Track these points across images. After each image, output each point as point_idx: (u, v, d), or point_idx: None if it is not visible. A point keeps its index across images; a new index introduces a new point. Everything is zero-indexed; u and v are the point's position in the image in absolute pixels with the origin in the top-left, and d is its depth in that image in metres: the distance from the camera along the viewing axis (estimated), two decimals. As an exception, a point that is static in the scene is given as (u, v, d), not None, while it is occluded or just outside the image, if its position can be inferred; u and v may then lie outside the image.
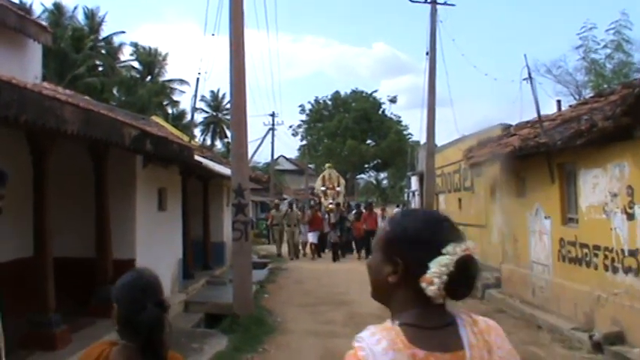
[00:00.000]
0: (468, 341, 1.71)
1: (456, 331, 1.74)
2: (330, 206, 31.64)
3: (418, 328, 1.70)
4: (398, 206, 49.81)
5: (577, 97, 24.89)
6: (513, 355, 1.79)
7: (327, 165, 38.87)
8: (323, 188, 35.39)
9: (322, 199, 34.73)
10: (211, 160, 18.53)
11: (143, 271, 2.68)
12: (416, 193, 38.58)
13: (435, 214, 1.96)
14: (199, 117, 65.32)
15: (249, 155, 18.27)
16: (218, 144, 66.59)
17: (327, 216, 28.92)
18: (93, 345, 2.69)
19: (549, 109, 29.57)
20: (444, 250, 1.72)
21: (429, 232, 1.80)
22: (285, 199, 43.69)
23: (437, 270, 1.70)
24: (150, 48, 54.48)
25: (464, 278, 1.73)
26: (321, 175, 37.40)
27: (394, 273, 1.77)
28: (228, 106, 66.93)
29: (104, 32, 48.78)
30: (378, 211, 29.18)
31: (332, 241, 27.17)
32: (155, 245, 12.56)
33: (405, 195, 49.14)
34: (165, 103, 53.89)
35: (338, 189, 35.39)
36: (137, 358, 2.48)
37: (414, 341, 1.67)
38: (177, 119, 51.03)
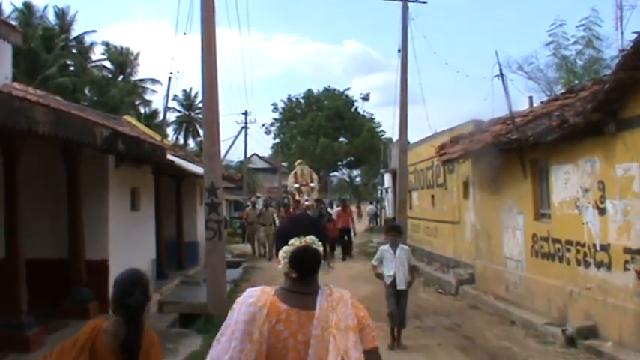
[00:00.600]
0: (319, 304, 2.50)
1: (315, 297, 2.53)
2: (307, 203, 30.99)
3: (288, 292, 2.56)
4: (371, 203, 50.12)
5: (548, 93, 25.09)
6: (350, 315, 2.53)
7: (297, 162, 38.05)
8: (296, 185, 34.56)
9: (296, 197, 33.95)
10: (184, 159, 18.45)
11: (136, 270, 3.90)
12: (389, 190, 38.80)
13: (303, 217, 2.95)
14: (172, 116, 65.19)
15: (222, 154, 18.22)
16: (191, 143, 66.43)
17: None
18: (90, 320, 3.80)
19: (521, 105, 29.82)
20: (289, 242, 2.56)
21: (288, 229, 2.64)
22: (258, 197, 43.45)
23: (282, 254, 2.57)
24: (121, 47, 54.02)
25: (299, 260, 2.54)
26: (292, 173, 36.58)
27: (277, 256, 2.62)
28: (201, 105, 66.80)
29: (75, 32, 48.46)
30: (353, 208, 29.34)
31: None
32: (128, 245, 12.49)
33: (379, 192, 49.41)
34: (137, 102, 53.45)
35: (312, 185, 34.59)
36: (123, 329, 3.58)
37: (283, 299, 2.52)
38: (149, 118, 50.62)
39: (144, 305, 3.67)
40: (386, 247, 10.80)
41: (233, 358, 2.41)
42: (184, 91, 67.00)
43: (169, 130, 61.74)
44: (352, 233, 27.17)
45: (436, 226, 21.23)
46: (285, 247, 2.57)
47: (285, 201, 37.77)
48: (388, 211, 38.94)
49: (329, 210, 28.80)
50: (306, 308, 2.51)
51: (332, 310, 2.54)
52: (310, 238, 2.58)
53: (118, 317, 3.63)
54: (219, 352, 2.46)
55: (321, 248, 2.60)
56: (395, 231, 11.04)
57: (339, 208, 27.71)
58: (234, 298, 2.71)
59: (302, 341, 2.47)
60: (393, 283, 10.56)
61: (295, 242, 2.56)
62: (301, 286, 2.59)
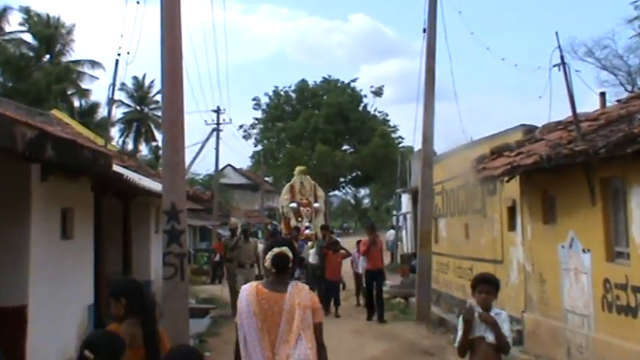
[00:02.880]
0: (289, 291, 6.71)
1: (287, 287, 6.78)
2: (308, 232, 28.63)
3: (270, 283, 6.89)
4: (393, 227, 49.27)
5: (629, 88, 24.65)
6: (308, 299, 6.79)
7: (297, 169, 35.12)
8: (293, 205, 32.18)
9: (292, 221, 31.43)
10: (135, 171, 18.40)
11: (136, 280, 7.12)
12: (408, 216, 38.69)
13: (281, 239, 8.63)
14: (118, 112, 64.98)
15: (187, 165, 18.14)
16: (143, 149, 66.47)
17: (304, 246, 26.18)
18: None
19: (590, 104, 29.41)
20: (272, 250, 6.91)
21: (270, 245, 7.15)
22: (235, 223, 43.24)
23: (267, 258, 6.93)
24: (48, 16, 53.45)
25: (277, 261, 6.85)
26: (287, 186, 34.28)
27: None
28: (158, 98, 66.83)
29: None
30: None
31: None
32: (56, 286, 12.30)
33: (394, 219, 49.12)
34: (70, 92, 53.19)
35: (316, 205, 32.49)
36: (139, 329, 6.08)
37: (265, 287, 6.81)
38: (87, 115, 50.65)
39: (155, 306, 6.61)
40: (474, 309, 8.60)
41: (247, 324, 6.59)
42: (135, 78, 67.08)
43: (114, 132, 61.56)
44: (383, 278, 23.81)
45: (471, 266, 21.09)
46: (269, 253, 6.84)
47: (272, 227, 34.27)
48: (406, 244, 38.87)
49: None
50: (280, 292, 6.70)
51: (297, 295, 6.70)
52: (285, 249, 6.89)
53: (133, 319, 6.17)
54: (243, 326, 6.64)
55: (291, 255, 6.90)
56: (488, 284, 8.70)
57: (366, 238, 23.69)
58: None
59: (277, 311, 6.60)
60: None
61: (274, 251, 6.85)
62: (277, 279, 6.84)
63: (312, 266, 25.64)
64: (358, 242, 25.58)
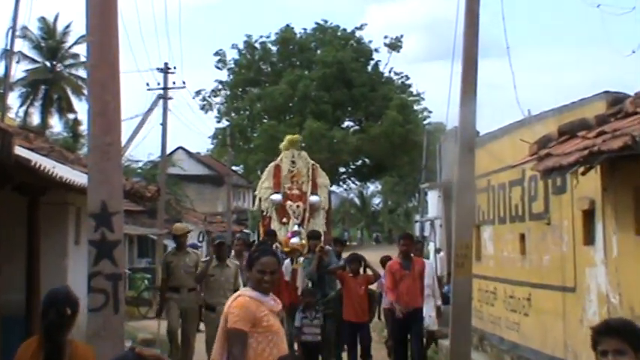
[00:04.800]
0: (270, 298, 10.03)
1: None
2: (295, 241, 26.52)
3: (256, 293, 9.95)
4: (438, 251, 46.13)
5: None
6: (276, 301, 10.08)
7: (287, 140, 31.22)
8: (277, 197, 28.77)
9: (275, 223, 28.52)
10: (46, 155, 18.38)
11: (57, 289, 9.39)
12: (437, 222, 38.49)
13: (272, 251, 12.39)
14: (18, 70, 64.79)
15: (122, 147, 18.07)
16: (55, 123, 66.34)
17: (288, 265, 23.66)
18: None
19: None
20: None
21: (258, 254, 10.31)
22: (189, 231, 42.98)
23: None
24: None
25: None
26: (271, 167, 30.20)
27: None
28: (77, 50, 66.70)
29: None
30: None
31: (303, 339, 21.69)
32: None
33: (417, 226, 48.68)
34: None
35: (313, 199, 28.91)
36: (40, 346, 8.48)
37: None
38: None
39: (57, 323, 8.31)
40: None
41: None
42: (43, 21, 66.77)
43: (12, 98, 61.39)
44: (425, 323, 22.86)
45: (529, 294, 21.20)
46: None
47: (242, 235, 32.19)
48: (435, 263, 38.54)
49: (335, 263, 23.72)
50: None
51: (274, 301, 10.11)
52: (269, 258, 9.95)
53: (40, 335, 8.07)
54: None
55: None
56: (619, 338, 7.18)
57: (396, 258, 22.19)
58: None
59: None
60: None
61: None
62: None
63: (306, 294, 22.36)
64: (384, 260, 23.88)
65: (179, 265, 22.03)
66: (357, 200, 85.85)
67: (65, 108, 65.79)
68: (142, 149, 60.87)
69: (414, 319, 21.44)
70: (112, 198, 13.08)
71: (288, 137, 31.36)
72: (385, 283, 21.71)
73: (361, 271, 21.82)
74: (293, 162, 28.93)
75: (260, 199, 29.53)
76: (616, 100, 17.85)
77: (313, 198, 28.48)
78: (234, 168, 67.09)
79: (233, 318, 8.98)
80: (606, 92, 18.54)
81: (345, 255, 24.09)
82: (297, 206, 28.28)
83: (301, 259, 23.80)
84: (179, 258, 22.18)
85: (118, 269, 13.11)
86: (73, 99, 62.19)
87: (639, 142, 13.58)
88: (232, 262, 22.10)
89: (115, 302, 13.01)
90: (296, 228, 27.57)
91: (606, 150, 14.85)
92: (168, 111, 52.77)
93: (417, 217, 49.41)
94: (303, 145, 68.65)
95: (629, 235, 15.40)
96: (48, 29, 66.90)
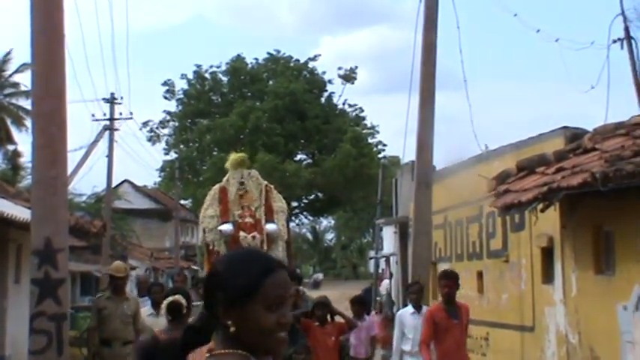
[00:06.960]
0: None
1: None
2: None
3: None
4: (390, 276, 44.32)
5: None
6: None
7: (232, 159, 25.78)
8: (226, 227, 24.75)
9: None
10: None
11: None
12: (393, 259, 38.45)
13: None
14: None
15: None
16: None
17: None
18: None
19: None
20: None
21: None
22: (133, 268, 42.90)
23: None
24: None
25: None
26: (216, 189, 24.93)
27: None
28: (18, 79, 66.81)
29: None
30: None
31: None
32: None
33: (370, 263, 48.86)
34: None
35: (269, 228, 23.56)
36: None
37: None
38: None
39: None
40: None
41: None
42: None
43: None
44: None
45: (486, 334, 21.16)
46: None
47: (190, 273, 33.68)
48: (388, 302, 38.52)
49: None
50: None
51: None
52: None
53: None
54: None
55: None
56: None
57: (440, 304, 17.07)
58: None
59: None
60: None
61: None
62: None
63: None
64: (357, 301, 20.88)
65: (115, 312, 18.25)
66: (309, 235, 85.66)
67: (4, 138, 65.35)
68: (86, 182, 61.21)
69: None
70: (57, 234, 12.94)
71: (234, 155, 25.86)
72: (422, 335, 16.41)
73: (329, 318, 17.75)
74: (242, 183, 22.56)
75: (204, 230, 22.60)
76: (574, 135, 17.98)
77: (270, 227, 22.01)
78: (182, 202, 66.97)
79: None
80: (565, 128, 18.70)
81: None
82: (253, 237, 22.29)
83: None
84: (116, 304, 18.39)
85: (62, 309, 12.99)
86: (13, 129, 61.77)
87: (599, 179, 13.52)
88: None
89: (59, 344, 12.85)
90: None
91: (565, 187, 14.84)
92: (115, 142, 52.83)
93: (372, 254, 49.39)
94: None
95: (589, 273, 15.46)
96: (-13, 54, 66.71)
